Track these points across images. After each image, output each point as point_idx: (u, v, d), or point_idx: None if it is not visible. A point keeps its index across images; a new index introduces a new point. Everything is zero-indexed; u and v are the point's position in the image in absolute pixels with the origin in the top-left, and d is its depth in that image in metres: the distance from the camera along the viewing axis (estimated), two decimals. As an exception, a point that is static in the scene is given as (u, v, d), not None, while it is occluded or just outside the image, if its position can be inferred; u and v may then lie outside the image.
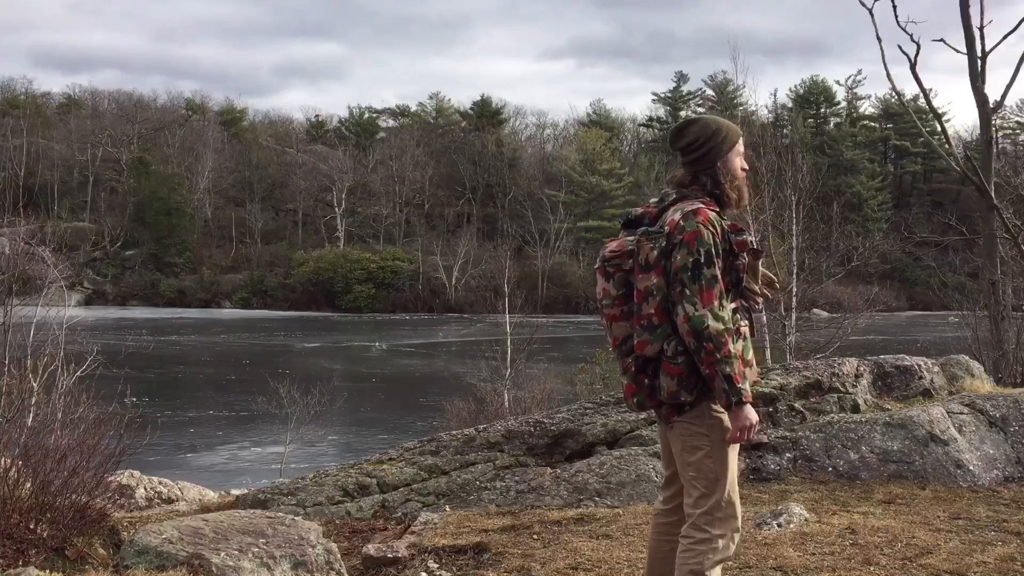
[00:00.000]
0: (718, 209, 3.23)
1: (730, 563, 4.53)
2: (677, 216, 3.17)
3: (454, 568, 4.63)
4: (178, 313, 65.28)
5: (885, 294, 54.21)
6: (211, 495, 8.83)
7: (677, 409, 3.22)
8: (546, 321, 53.56)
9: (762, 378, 7.02)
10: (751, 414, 3.14)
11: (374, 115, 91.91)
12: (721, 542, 3.22)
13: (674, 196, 3.27)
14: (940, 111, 25.95)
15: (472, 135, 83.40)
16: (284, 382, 21.11)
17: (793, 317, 19.82)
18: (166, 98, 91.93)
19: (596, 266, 3.30)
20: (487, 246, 72.48)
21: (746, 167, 3.40)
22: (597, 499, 5.88)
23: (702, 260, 3.10)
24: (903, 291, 67.99)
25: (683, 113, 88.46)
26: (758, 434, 3.36)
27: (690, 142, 3.31)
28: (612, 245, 3.27)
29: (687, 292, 3.10)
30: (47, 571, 3.79)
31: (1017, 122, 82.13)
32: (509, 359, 23.63)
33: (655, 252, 3.16)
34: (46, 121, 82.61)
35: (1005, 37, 15.54)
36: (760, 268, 3.32)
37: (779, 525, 5.05)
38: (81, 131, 79.28)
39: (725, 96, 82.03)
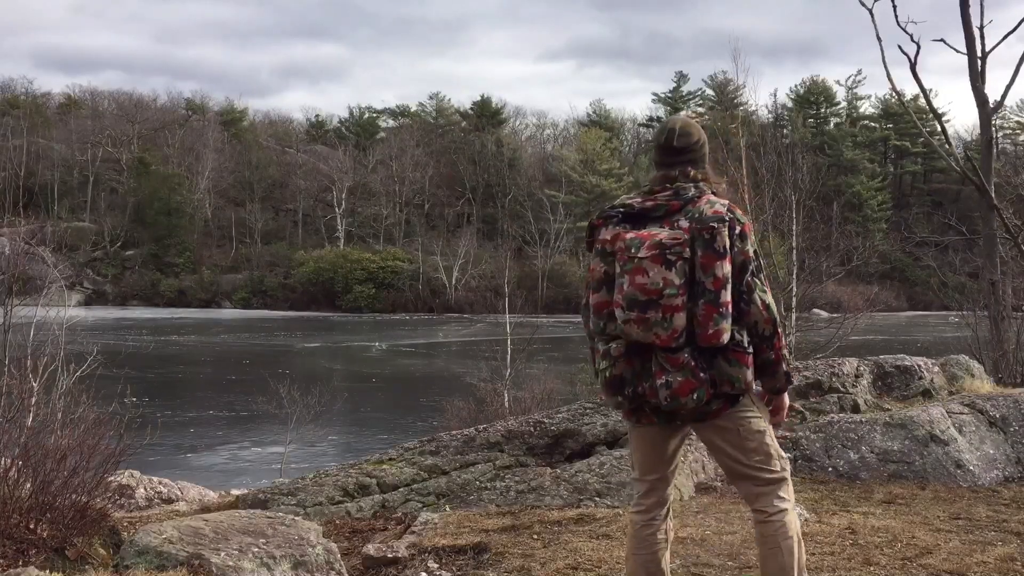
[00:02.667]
0: None
1: (730, 563, 4.54)
2: (721, 208, 3.19)
3: (454, 568, 4.63)
4: (178, 313, 65.26)
5: (885, 294, 54.21)
6: (211, 495, 8.82)
7: (732, 400, 3.21)
8: (546, 321, 53.49)
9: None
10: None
11: (374, 115, 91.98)
12: (792, 504, 3.37)
13: (693, 190, 3.25)
14: (940, 111, 25.95)
15: (472, 135, 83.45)
16: (284, 382, 21.10)
17: (793, 317, 19.81)
18: (166, 98, 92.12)
19: (648, 255, 3.10)
20: (487, 246, 72.52)
21: None
22: (597, 499, 5.88)
23: (758, 251, 3.26)
24: (903, 291, 68.03)
25: (683, 113, 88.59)
26: None
27: (696, 140, 3.36)
28: (664, 233, 3.13)
29: (758, 281, 3.19)
30: (47, 571, 3.78)
31: (1017, 122, 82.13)
32: (509, 359, 23.62)
33: (728, 240, 3.15)
34: (46, 121, 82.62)
35: (1005, 37, 15.59)
36: None
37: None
38: (81, 131, 79.25)
39: (725, 96, 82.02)
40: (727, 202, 3.24)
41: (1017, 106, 79.78)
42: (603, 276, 3.24)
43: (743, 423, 3.27)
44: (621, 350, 3.19)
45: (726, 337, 3.12)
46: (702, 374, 3.12)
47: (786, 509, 3.30)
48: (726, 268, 3.12)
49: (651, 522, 3.39)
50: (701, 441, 3.46)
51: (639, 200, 3.28)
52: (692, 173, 3.30)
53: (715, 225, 3.14)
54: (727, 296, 3.11)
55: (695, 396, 3.12)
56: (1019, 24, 15.62)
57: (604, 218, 3.28)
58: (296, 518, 4.84)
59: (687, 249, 3.11)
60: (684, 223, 3.16)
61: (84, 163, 77.68)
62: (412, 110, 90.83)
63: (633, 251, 3.12)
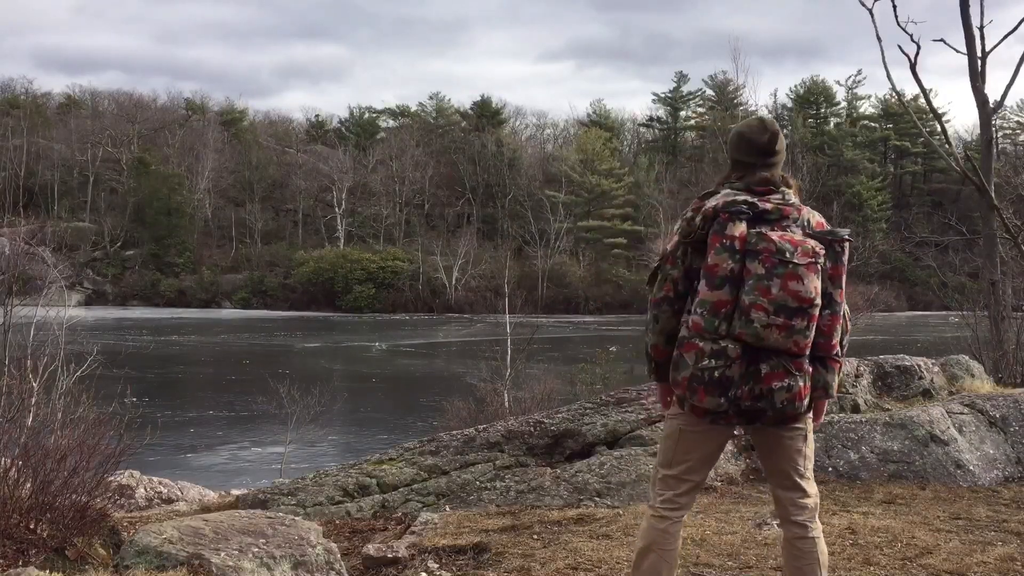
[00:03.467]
0: None
1: (730, 563, 4.55)
2: (823, 220, 3.30)
3: (454, 568, 4.63)
4: (178, 313, 65.26)
5: (885, 294, 54.27)
6: (211, 495, 8.83)
7: (810, 405, 3.27)
8: (546, 321, 53.53)
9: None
10: None
11: (374, 115, 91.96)
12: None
13: (794, 196, 3.29)
14: (940, 111, 25.96)
15: (472, 135, 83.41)
16: (284, 382, 21.08)
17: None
18: (166, 98, 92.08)
19: (804, 262, 3.09)
20: (487, 246, 72.55)
21: None
22: (597, 499, 5.88)
23: None
24: (903, 291, 68.03)
25: (683, 113, 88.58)
26: None
27: (783, 146, 3.38)
28: (812, 241, 3.14)
29: (843, 292, 3.26)
30: (47, 571, 3.78)
31: (1017, 122, 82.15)
32: (509, 359, 23.61)
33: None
34: (46, 121, 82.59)
35: (1005, 37, 15.57)
36: None
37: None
38: (81, 131, 79.24)
39: (725, 96, 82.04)
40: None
41: (1017, 106, 79.83)
42: (729, 274, 3.10)
43: (807, 429, 3.34)
44: (739, 351, 3.09)
45: (840, 350, 3.25)
46: (808, 380, 3.17)
47: (820, 529, 3.38)
48: (844, 281, 3.23)
49: (680, 519, 3.36)
50: (764, 444, 3.39)
51: (755, 200, 3.20)
52: (788, 180, 3.33)
53: (848, 239, 3.23)
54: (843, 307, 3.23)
55: (806, 400, 3.17)
56: (1019, 24, 15.61)
57: (731, 213, 3.14)
58: (296, 518, 4.84)
59: (822, 258, 3.17)
60: (796, 229, 3.19)
61: (84, 163, 77.66)
62: (412, 110, 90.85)
63: (787, 255, 3.07)
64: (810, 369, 3.14)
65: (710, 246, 3.14)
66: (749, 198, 3.19)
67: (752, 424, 3.27)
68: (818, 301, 3.10)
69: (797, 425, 3.29)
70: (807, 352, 3.12)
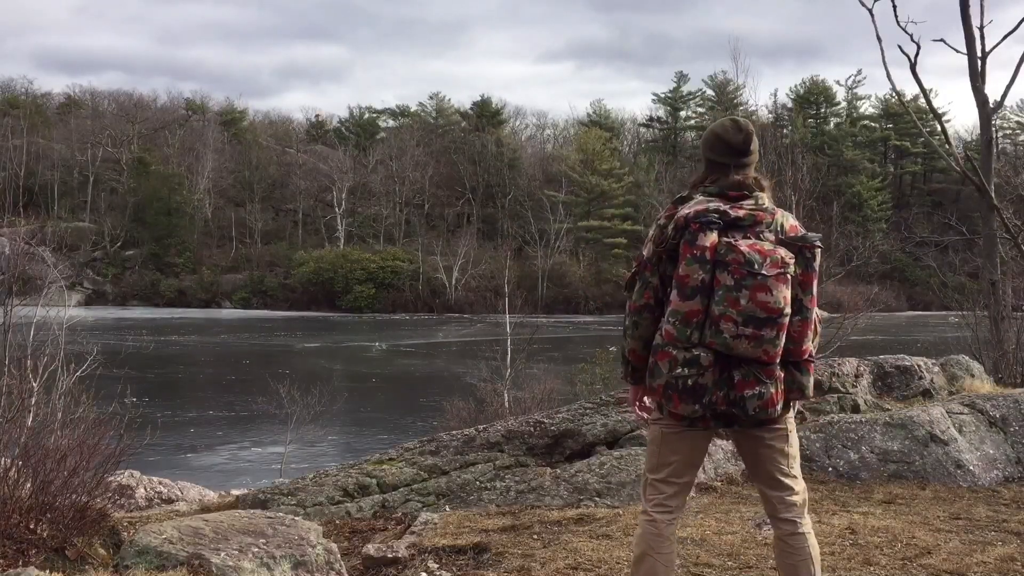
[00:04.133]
0: None
1: (730, 563, 4.55)
2: (796, 223, 3.28)
3: (454, 568, 4.63)
4: (178, 313, 65.26)
5: (885, 294, 54.18)
6: (211, 495, 8.83)
7: (787, 406, 3.28)
8: (546, 321, 53.53)
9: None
10: None
11: (374, 115, 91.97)
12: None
13: (767, 200, 3.28)
14: (940, 111, 25.96)
15: (472, 135, 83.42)
16: (284, 382, 21.09)
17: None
18: (166, 98, 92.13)
19: (772, 273, 3.09)
20: (487, 246, 72.50)
21: None
22: (597, 499, 5.88)
23: None
24: (903, 291, 68.01)
25: (683, 113, 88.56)
26: None
27: (757, 147, 3.35)
28: (781, 250, 3.14)
29: (814, 298, 3.25)
30: (47, 571, 3.78)
31: (1017, 122, 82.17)
32: (509, 359, 23.61)
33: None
34: (46, 121, 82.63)
35: (1005, 37, 15.55)
36: None
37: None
38: (81, 131, 79.26)
39: (725, 96, 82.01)
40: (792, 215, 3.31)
41: (1017, 106, 79.87)
42: (700, 284, 3.10)
43: (792, 429, 3.34)
44: (711, 359, 3.11)
45: (812, 352, 3.25)
46: (783, 385, 3.18)
47: (809, 524, 3.37)
48: (816, 287, 3.22)
49: (673, 522, 3.38)
50: (745, 446, 3.39)
51: (727, 207, 3.19)
52: (761, 181, 3.30)
53: (819, 245, 3.20)
54: (815, 313, 3.23)
55: (779, 406, 3.19)
56: (1019, 24, 15.59)
57: (702, 223, 3.13)
58: (296, 518, 4.84)
59: (792, 267, 3.16)
60: (769, 235, 3.18)
61: (84, 163, 77.66)
62: (412, 110, 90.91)
63: (756, 267, 3.08)
64: (782, 374, 3.16)
65: (681, 256, 3.15)
66: (721, 206, 3.19)
67: (730, 427, 3.28)
68: (787, 311, 3.10)
69: (777, 426, 3.29)
70: (778, 360, 3.14)
